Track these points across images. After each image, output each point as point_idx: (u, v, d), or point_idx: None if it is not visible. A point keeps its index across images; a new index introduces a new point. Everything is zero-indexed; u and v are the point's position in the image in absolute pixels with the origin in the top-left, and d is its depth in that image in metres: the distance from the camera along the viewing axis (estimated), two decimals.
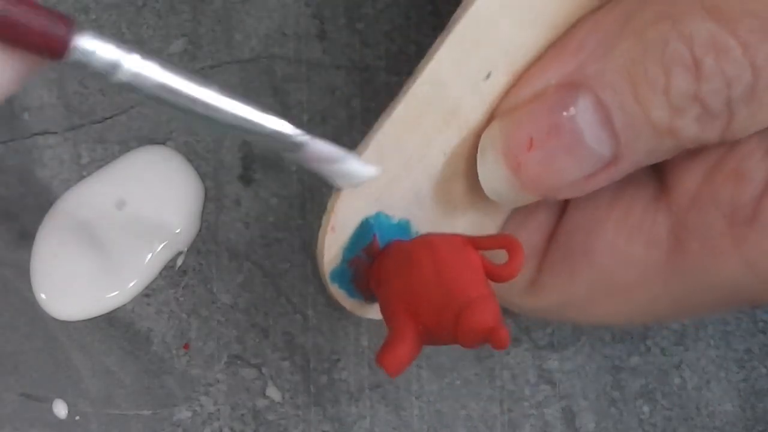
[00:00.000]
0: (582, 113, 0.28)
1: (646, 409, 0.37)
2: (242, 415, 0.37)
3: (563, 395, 0.37)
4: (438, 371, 0.37)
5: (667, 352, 0.37)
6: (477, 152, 0.30)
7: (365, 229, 0.29)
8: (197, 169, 0.37)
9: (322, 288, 0.37)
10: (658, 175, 0.31)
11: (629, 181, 0.31)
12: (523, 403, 0.37)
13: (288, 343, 0.37)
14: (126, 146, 0.37)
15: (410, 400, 0.37)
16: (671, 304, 0.31)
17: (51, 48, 0.23)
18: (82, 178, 0.37)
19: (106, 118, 0.38)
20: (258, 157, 0.38)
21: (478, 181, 0.30)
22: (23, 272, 0.37)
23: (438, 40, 0.29)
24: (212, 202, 0.37)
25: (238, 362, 0.37)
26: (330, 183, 0.28)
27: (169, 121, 0.38)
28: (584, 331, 0.37)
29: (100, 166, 0.38)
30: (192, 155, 0.37)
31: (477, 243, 0.28)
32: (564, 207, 0.33)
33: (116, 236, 0.37)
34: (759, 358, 0.37)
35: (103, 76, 0.24)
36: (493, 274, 0.28)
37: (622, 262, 0.31)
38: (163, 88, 0.24)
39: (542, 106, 0.29)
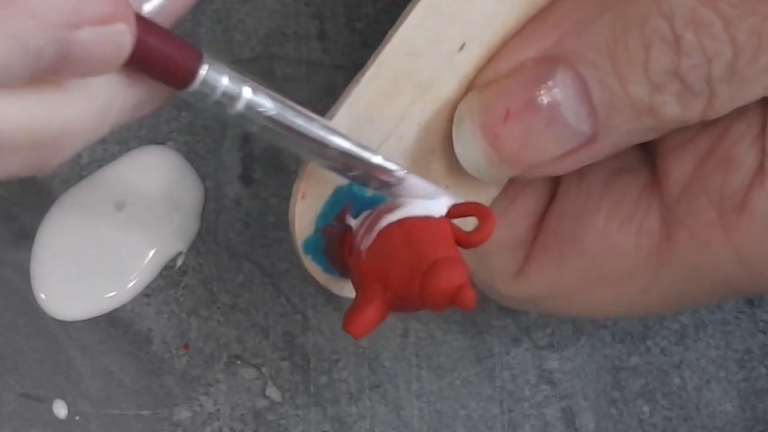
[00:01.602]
0: (561, 88, 0.28)
1: (646, 409, 0.37)
2: (242, 415, 0.37)
3: (563, 395, 0.37)
4: (438, 371, 0.37)
5: (667, 352, 0.37)
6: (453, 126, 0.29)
7: (338, 197, 0.29)
8: (197, 169, 0.37)
9: (322, 288, 0.37)
10: (651, 164, 0.31)
11: (622, 170, 0.31)
12: (523, 403, 0.37)
13: (288, 343, 0.37)
14: (126, 146, 0.37)
15: (410, 400, 0.37)
16: (661, 295, 0.31)
17: (179, 77, 0.23)
18: (82, 178, 0.37)
19: None
20: (258, 157, 0.38)
21: (457, 160, 0.30)
22: (23, 272, 0.37)
23: (409, 6, 0.28)
24: (212, 202, 0.37)
25: (238, 362, 0.37)
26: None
27: (169, 121, 0.38)
28: (584, 331, 0.37)
29: (100, 166, 0.38)
30: (192, 155, 0.37)
31: (447, 211, 0.28)
32: (552, 194, 0.32)
33: (116, 236, 0.37)
34: (759, 358, 0.37)
35: (222, 107, 0.24)
36: (463, 241, 0.28)
37: (613, 251, 0.31)
38: (275, 121, 0.24)
39: (521, 79, 0.28)
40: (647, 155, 0.31)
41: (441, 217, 0.28)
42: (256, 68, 0.38)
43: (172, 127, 0.38)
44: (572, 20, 0.28)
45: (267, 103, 0.24)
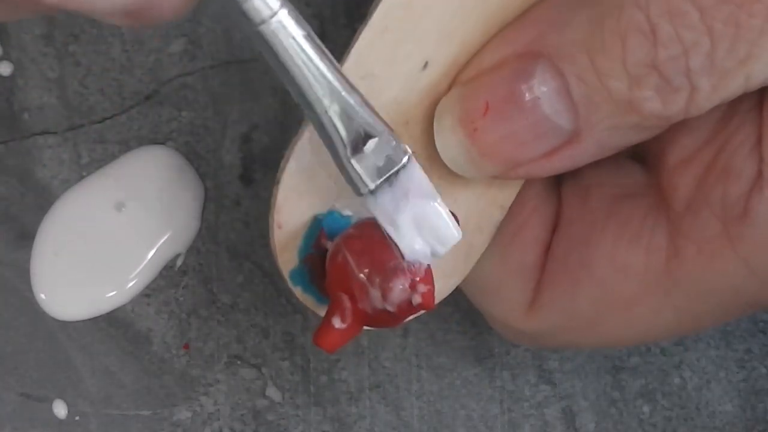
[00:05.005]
0: (540, 83, 0.28)
1: (646, 409, 0.37)
2: (242, 415, 0.37)
3: (563, 395, 0.37)
4: (438, 371, 0.37)
5: (667, 352, 0.37)
6: (433, 133, 0.29)
7: (315, 225, 0.29)
8: (197, 169, 0.37)
9: None
10: (655, 186, 0.31)
11: (626, 195, 0.31)
12: (523, 403, 0.37)
13: (288, 343, 0.37)
14: (126, 146, 0.37)
15: (410, 400, 0.37)
16: (675, 315, 0.30)
17: None
18: (82, 178, 0.37)
19: (106, 118, 0.38)
20: (258, 157, 0.38)
21: (443, 187, 0.30)
22: (23, 272, 0.37)
23: (358, 31, 0.28)
24: (212, 202, 0.37)
25: (238, 362, 0.37)
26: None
27: (169, 121, 0.38)
28: None
29: (100, 166, 0.38)
30: (192, 155, 0.37)
31: None
32: (557, 222, 0.32)
33: (116, 236, 0.37)
34: (759, 358, 0.37)
35: (249, 19, 0.24)
36: None
37: (622, 273, 0.30)
38: (301, 45, 0.24)
39: (501, 73, 0.28)
40: (651, 179, 0.31)
41: None
42: (256, 68, 0.38)
43: (172, 127, 0.38)
44: (552, 15, 0.28)
45: (296, 26, 0.24)
